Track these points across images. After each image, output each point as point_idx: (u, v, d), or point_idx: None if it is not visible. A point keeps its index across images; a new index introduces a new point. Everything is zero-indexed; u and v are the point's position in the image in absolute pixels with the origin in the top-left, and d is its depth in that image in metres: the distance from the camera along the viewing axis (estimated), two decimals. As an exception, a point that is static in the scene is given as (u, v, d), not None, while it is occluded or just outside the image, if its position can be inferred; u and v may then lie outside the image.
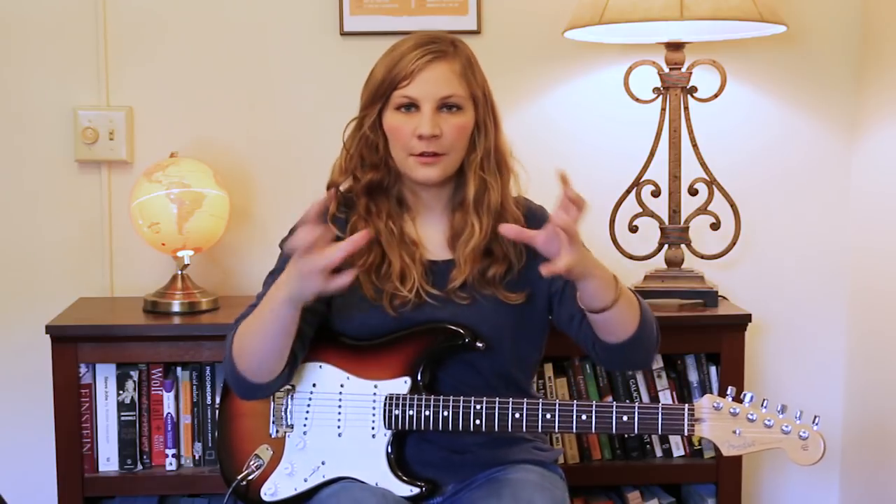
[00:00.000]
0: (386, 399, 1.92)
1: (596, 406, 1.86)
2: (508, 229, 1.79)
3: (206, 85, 2.76)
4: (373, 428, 1.92)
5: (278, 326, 1.83)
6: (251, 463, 1.97)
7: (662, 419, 1.84)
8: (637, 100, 2.64)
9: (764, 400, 1.83)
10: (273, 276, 2.01)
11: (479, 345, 1.92)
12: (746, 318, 2.54)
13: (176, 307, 2.56)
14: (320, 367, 1.96)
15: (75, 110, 2.71)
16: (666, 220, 2.65)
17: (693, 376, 2.59)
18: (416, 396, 1.90)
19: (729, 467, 2.54)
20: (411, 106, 1.94)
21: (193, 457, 2.53)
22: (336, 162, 2.05)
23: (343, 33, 2.74)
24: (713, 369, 2.58)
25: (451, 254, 2.01)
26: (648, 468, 2.58)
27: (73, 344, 2.43)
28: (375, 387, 1.93)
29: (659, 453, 2.59)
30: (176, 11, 2.74)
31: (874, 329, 2.76)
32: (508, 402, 1.88)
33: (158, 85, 2.75)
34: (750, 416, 1.81)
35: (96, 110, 2.71)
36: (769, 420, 1.80)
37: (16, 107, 2.74)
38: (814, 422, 1.81)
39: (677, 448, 2.60)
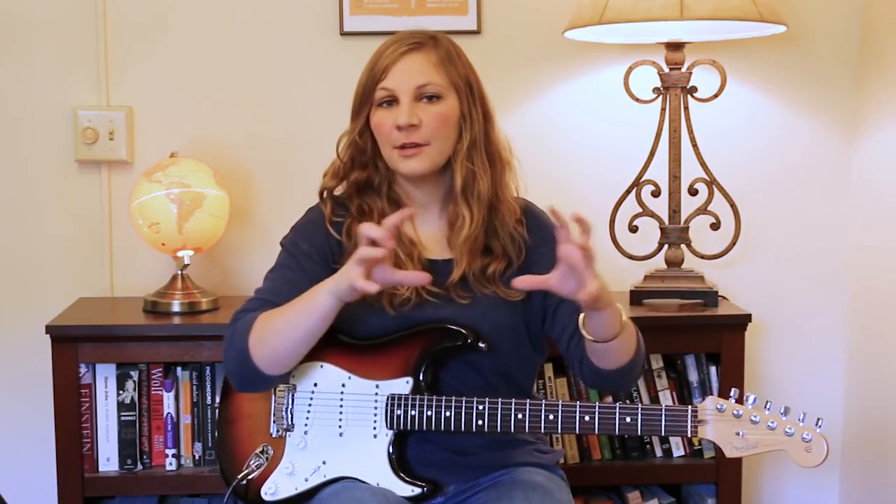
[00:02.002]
0: (388, 399, 1.91)
1: (599, 407, 1.86)
2: (520, 282, 1.77)
3: (206, 85, 2.76)
4: (374, 428, 1.92)
5: (315, 319, 1.83)
6: (251, 462, 1.96)
7: (666, 420, 1.84)
8: (637, 100, 2.64)
9: (767, 402, 1.82)
10: (274, 272, 2.01)
11: (482, 345, 1.92)
12: (746, 318, 2.54)
13: (176, 307, 2.56)
14: (321, 366, 1.96)
15: (75, 110, 2.71)
16: (666, 220, 2.65)
17: (693, 376, 2.59)
18: (418, 396, 1.90)
19: (729, 467, 2.54)
20: (392, 100, 1.95)
21: (193, 457, 2.53)
22: (328, 169, 2.06)
23: (343, 33, 2.74)
24: (713, 369, 2.58)
25: (451, 252, 2.01)
26: (648, 468, 2.58)
27: (73, 344, 2.44)
28: (377, 387, 1.93)
29: (659, 453, 2.59)
30: (176, 11, 2.74)
31: (874, 329, 2.76)
32: (511, 403, 1.88)
33: (158, 85, 2.75)
34: (753, 419, 1.80)
35: (96, 110, 2.71)
36: (772, 422, 1.80)
37: (16, 107, 2.74)
38: (817, 424, 1.81)
39: (677, 448, 2.60)
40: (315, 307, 1.83)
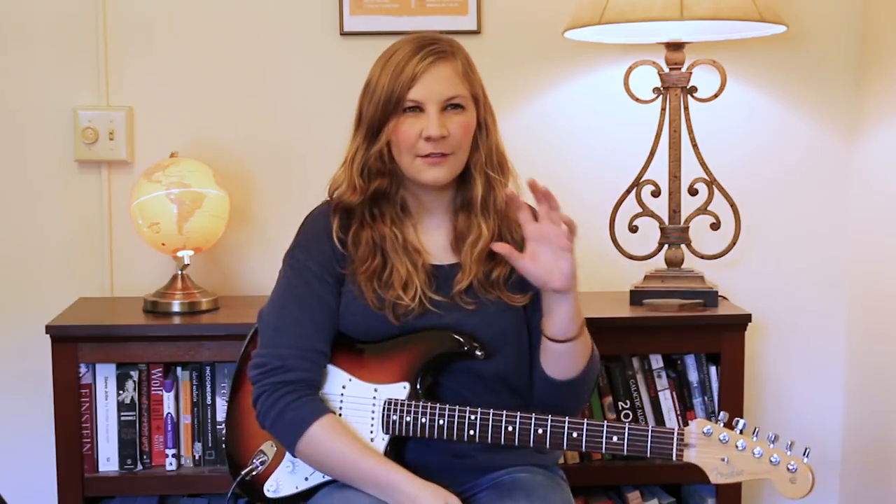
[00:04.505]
0: (385, 403, 1.91)
1: (587, 424, 1.86)
2: (499, 246, 1.86)
3: (206, 85, 2.76)
4: (371, 431, 1.92)
5: (361, 486, 1.90)
6: (255, 459, 1.97)
7: (652, 442, 1.83)
8: (637, 100, 2.64)
9: (756, 428, 1.80)
10: (289, 300, 1.97)
11: (479, 353, 1.92)
12: (746, 318, 2.54)
13: (176, 307, 2.56)
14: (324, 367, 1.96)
15: (75, 110, 2.71)
16: (666, 220, 2.64)
17: (693, 376, 2.59)
18: (413, 403, 1.90)
19: (729, 467, 2.54)
20: (416, 108, 1.92)
21: (193, 457, 2.53)
22: (338, 180, 2.01)
23: (343, 33, 2.74)
24: (713, 369, 2.58)
25: (455, 257, 2.00)
26: (648, 468, 2.57)
27: (73, 344, 2.43)
28: (375, 390, 1.93)
29: (659, 453, 2.59)
30: (176, 11, 2.73)
31: (874, 329, 2.76)
32: (502, 415, 1.88)
33: (158, 85, 2.75)
34: (739, 445, 1.78)
35: (96, 110, 2.71)
36: (758, 450, 1.78)
37: (16, 107, 2.74)
38: (804, 454, 1.78)
39: (677, 448, 2.59)
40: (375, 491, 1.87)
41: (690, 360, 2.59)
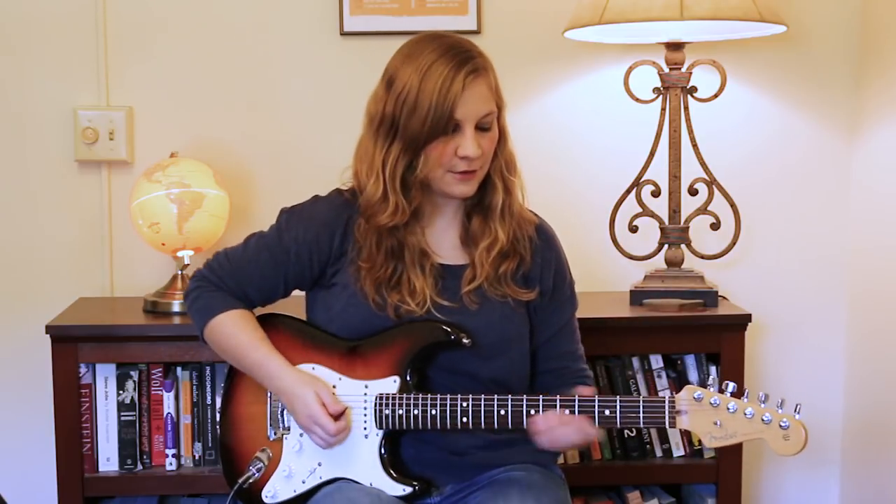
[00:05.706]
0: (376, 399, 1.92)
1: (579, 401, 1.86)
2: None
3: (206, 85, 2.76)
4: (365, 428, 1.92)
5: (254, 376, 2.00)
6: (251, 467, 1.96)
7: (644, 412, 1.84)
8: (637, 100, 2.64)
9: (745, 390, 1.82)
10: (257, 246, 2.02)
11: (466, 341, 1.91)
12: (746, 318, 2.54)
13: (176, 307, 2.56)
14: (313, 368, 1.96)
15: (75, 110, 2.71)
16: (666, 220, 2.64)
17: (693, 376, 2.59)
18: (404, 395, 1.90)
19: (729, 467, 2.54)
20: (456, 126, 1.89)
21: (193, 457, 2.53)
22: (372, 197, 1.93)
23: (343, 33, 2.74)
24: (713, 369, 2.58)
25: (465, 257, 2.00)
26: (648, 468, 2.57)
27: (73, 344, 2.44)
28: (366, 387, 1.93)
29: (659, 453, 2.59)
30: (176, 11, 2.74)
31: (874, 328, 2.76)
32: (493, 399, 1.88)
33: (158, 85, 2.75)
34: (730, 407, 1.79)
35: (96, 110, 2.72)
36: (749, 410, 1.78)
37: (16, 107, 2.74)
38: (796, 410, 1.79)
39: (677, 448, 2.59)
40: (258, 377, 1.98)
41: (690, 360, 2.59)
